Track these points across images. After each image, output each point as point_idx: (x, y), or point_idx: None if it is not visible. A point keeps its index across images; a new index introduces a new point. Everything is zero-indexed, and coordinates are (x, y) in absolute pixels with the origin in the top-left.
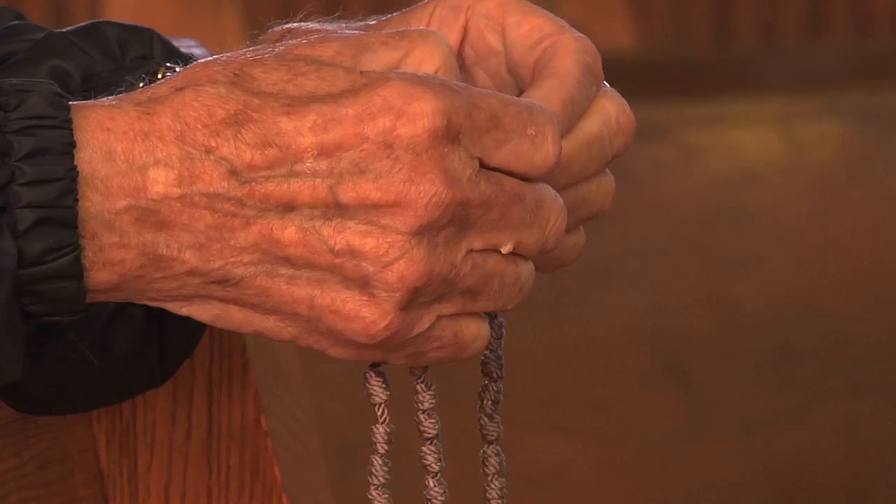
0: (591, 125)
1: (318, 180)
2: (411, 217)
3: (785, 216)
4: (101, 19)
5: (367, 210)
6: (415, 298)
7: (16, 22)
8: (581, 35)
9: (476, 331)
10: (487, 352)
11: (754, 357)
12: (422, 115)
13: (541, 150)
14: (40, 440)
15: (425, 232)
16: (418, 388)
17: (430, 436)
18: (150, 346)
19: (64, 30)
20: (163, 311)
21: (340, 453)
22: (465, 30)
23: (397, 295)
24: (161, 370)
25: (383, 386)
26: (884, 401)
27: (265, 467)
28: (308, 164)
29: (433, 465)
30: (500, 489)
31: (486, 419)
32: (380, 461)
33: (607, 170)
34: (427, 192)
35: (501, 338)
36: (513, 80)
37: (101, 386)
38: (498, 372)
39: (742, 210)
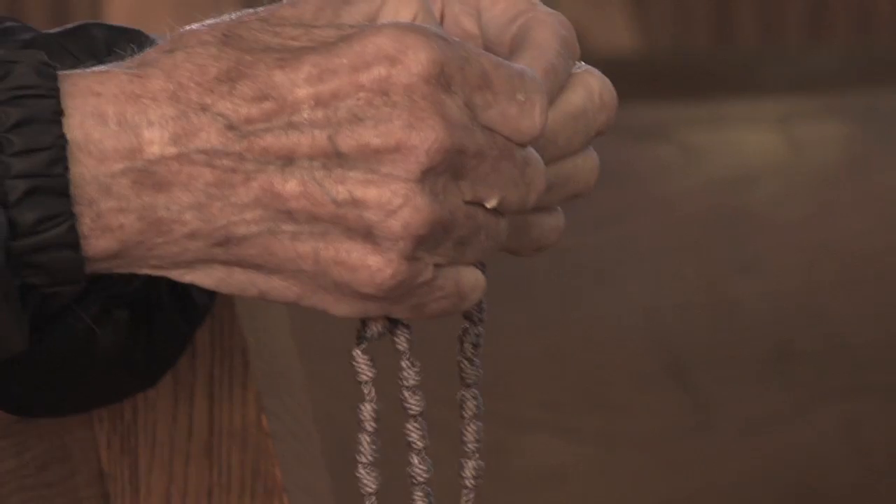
0: (575, 98)
1: (316, 131)
2: (413, 163)
3: (785, 216)
4: (90, 21)
5: (368, 158)
6: (419, 246)
7: (8, 24)
8: (554, 10)
9: (475, 280)
10: None
11: (754, 357)
12: (416, 63)
13: (528, 117)
14: (41, 441)
15: (426, 179)
16: (403, 364)
17: (414, 412)
18: (137, 348)
19: (52, 31)
20: (149, 312)
21: (341, 453)
22: (442, 16)
23: (401, 243)
24: (151, 372)
25: (370, 364)
26: (884, 400)
27: (266, 467)
28: (305, 115)
29: (417, 442)
30: (476, 432)
31: (465, 363)
32: (368, 439)
33: (591, 147)
34: (428, 137)
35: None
36: None
37: (90, 387)
38: (479, 315)
39: (742, 210)
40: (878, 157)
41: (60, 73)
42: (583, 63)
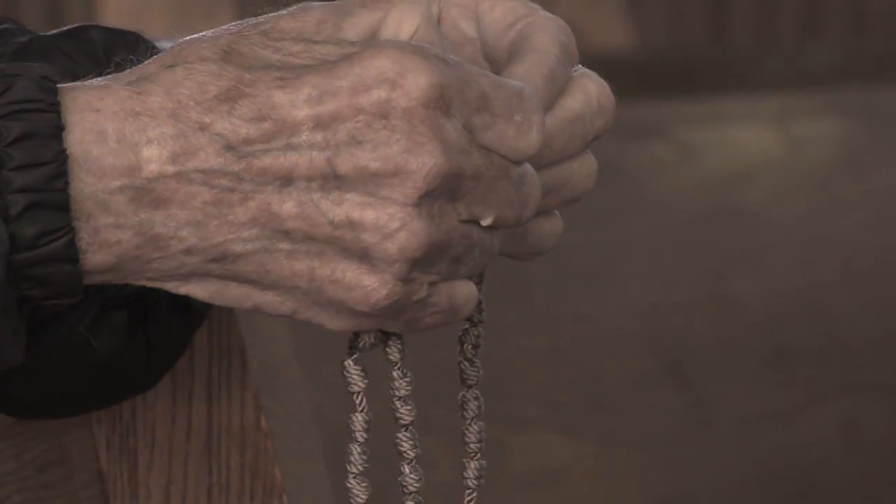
0: (573, 103)
1: (315, 152)
2: (411, 187)
3: (783, 214)
4: (88, 23)
5: (366, 181)
6: (414, 268)
7: (6, 26)
8: (554, 16)
9: (467, 293)
10: None
11: (754, 356)
12: (416, 87)
13: (525, 138)
14: (40, 442)
15: (424, 202)
16: (394, 374)
17: (405, 422)
18: (135, 350)
19: (50, 33)
20: (147, 315)
21: (340, 453)
22: (439, 19)
23: (397, 266)
24: (149, 374)
25: (361, 374)
26: (883, 399)
27: (265, 468)
28: (304, 137)
29: (409, 452)
30: (479, 433)
31: (466, 363)
32: (358, 449)
33: (589, 151)
34: (426, 162)
35: (481, 283)
36: (489, 67)
37: (89, 389)
38: (478, 316)
39: (740, 208)
40: (875, 154)
41: (60, 86)
42: (580, 66)
